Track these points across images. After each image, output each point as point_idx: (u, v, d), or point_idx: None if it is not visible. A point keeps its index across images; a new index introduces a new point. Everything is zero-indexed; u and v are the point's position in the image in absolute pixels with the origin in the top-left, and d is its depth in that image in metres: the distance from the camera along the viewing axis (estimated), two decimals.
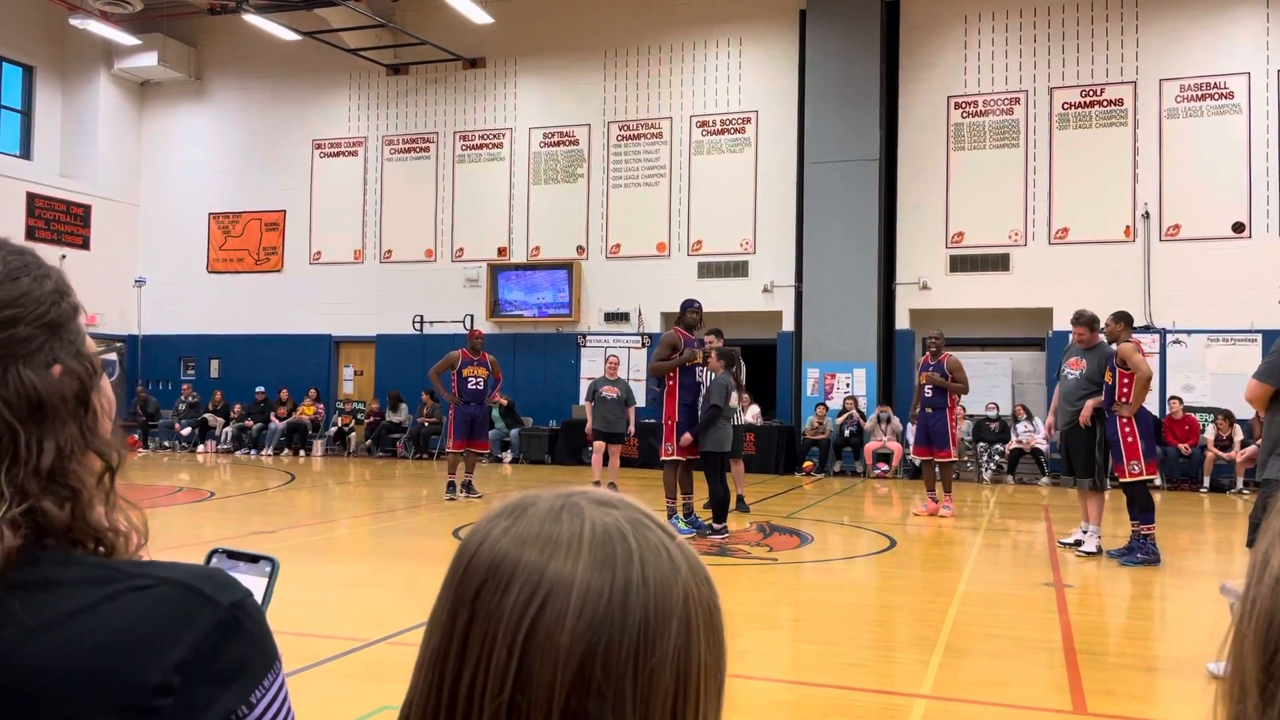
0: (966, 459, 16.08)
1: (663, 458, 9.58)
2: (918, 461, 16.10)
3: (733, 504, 11.18)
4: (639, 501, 0.78)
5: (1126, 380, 8.22)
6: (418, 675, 0.75)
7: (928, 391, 11.30)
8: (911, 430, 16.42)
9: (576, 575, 0.70)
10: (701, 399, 9.38)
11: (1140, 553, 8.18)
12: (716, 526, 9.18)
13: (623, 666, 0.69)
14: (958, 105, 17.34)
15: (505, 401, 18.15)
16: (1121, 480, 8.25)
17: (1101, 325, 8.70)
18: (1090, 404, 8.49)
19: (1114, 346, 8.38)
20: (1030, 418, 15.99)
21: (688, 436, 9.29)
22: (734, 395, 9.40)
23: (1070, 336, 9.03)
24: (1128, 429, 8.17)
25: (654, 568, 0.72)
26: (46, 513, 0.81)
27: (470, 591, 0.72)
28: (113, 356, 0.98)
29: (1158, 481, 14.96)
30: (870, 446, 16.34)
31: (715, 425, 9.17)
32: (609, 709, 0.68)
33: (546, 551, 0.71)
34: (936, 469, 11.30)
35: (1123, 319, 8.47)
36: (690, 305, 9.85)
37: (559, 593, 0.69)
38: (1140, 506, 8.21)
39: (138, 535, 0.89)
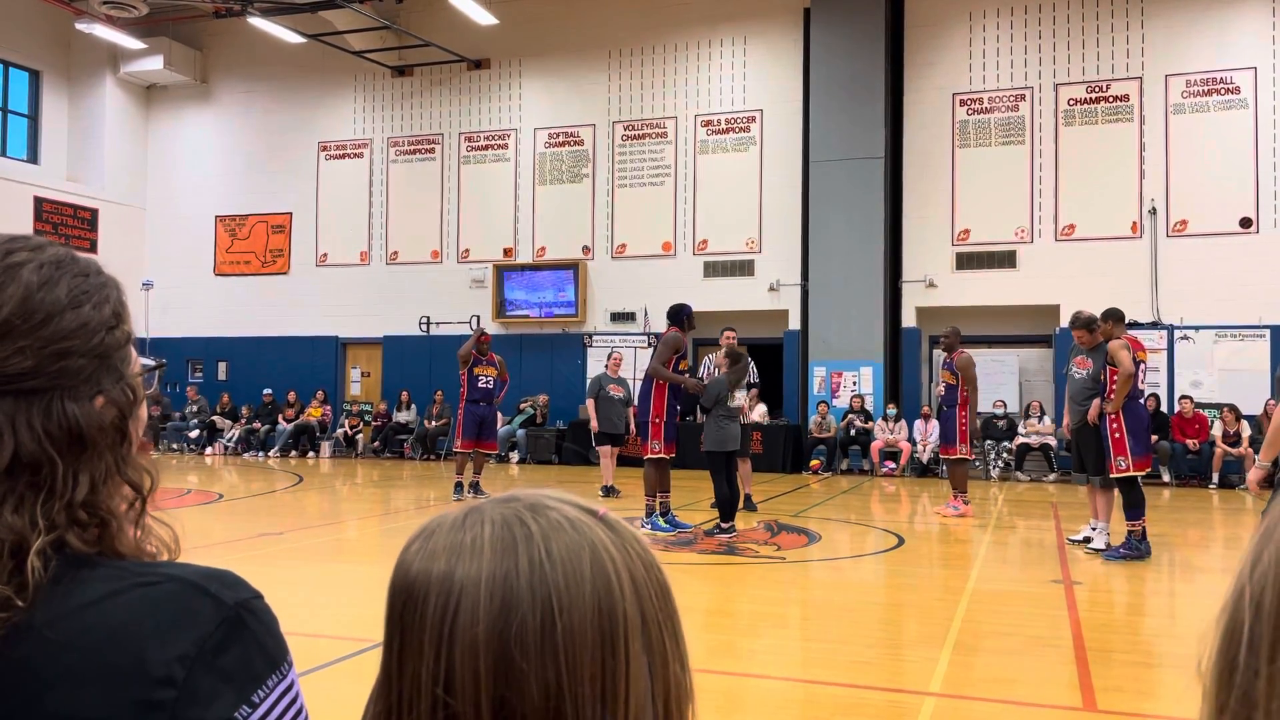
0: (974, 457, 16.06)
1: (647, 455, 9.57)
2: (924, 460, 16.23)
3: (740, 503, 11.22)
4: (555, 489, 0.81)
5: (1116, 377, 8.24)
6: (370, 702, 0.79)
7: (941, 389, 11.30)
8: (921, 427, 16.48)
9: (482, 571, 0.74)
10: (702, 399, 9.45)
11: (1123, 547, 8.16)
12: (724, 526, 9.17)
13: (539, 642, 0.73)
14: (963, 102, 17.31)
15: (540, 418, 18.12)
16: (1110, 476, 8.24)
17: (1097, 325, 8.70)
18: (1096, 402, 8.49)
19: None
20: (1042, 416, 15.94)
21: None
22: (739, 395, 9.36)
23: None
24: (1115, 425, 8.16)
25: (558, 542, 0.76)
26: (73, 544, 0.82)
27: (397, 613, 0.77)
28: (150, 364, 0.97)
29: (1166, 477, 14.98)
30: (876, 445, 16.33)
31: (716, 425, 9.14)
32: (532, 682, 0.72)
33: (453, 559, 0.76)
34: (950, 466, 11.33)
35: (1111, 316, 8.47)
36: (689, 310, 9.84)
37: (469, 591, 0.74)
38: (1127, 502, 8.19)
39: (169, 553, 0.90)
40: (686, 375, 9.73)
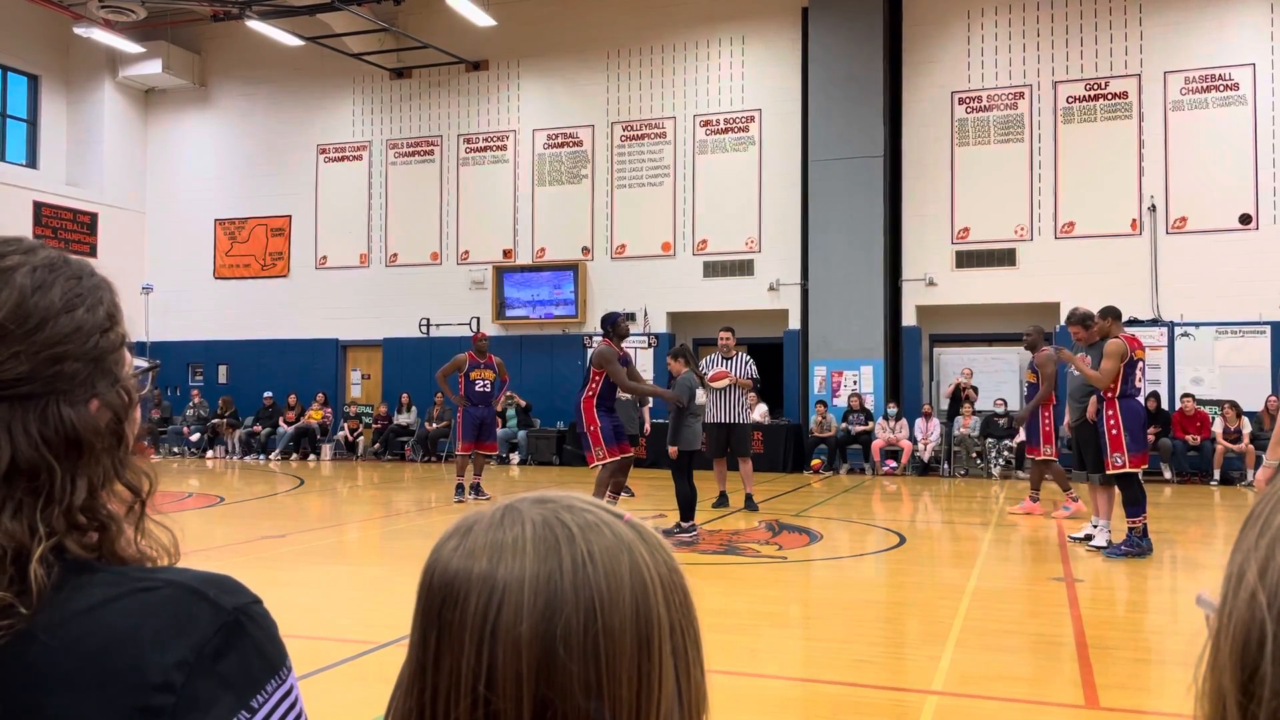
0: (975, 455, 16.06)
1: (591, 464, 9.45)
2: (925, 459, 16.21)
3: (741, 503, 11.22)
4: (582, 492, 0.82)
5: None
6: (397, 698, 0.79)
7: (1024, 389, 11.24)
8: (922, 426, 16.48)
9: (525, 570, 0.75)
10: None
11: (1124, 544, 8.16)
12: (684, 525, 9.08)
13: (582, 641, 0.73)
14: (961, 101, 17.31)
15: (524, 403, 18.18)
16: (1107, 472, 8.24)
17: (1093, 321, 8.69)
18: (1094, 400, 8.48)
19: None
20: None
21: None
22: (700, 393, 9.31)
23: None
24: (1112, 420, 8.15)
25: (598, 545, 0.77)
26: (72, 550, 0.82)
27: (434, 611, 0.77)
28: (144, 365, 0.96)
29: (1168, 474, 14.97)
30: (877, 444, 16.32)
31: (683, 425, 9.09)
32: (574, 681, 0.73)
33: (495, 558, 0.76)
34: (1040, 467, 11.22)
35: (1109, 314, 8.46)
36: (620, 316, 9.71)
37: (512, 590, 0.74)
38: (1126, 499, 8.18)
39: (169, 557, 0.89)
40: (659, 387, 9.73)
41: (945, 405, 16.53)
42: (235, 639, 0.80)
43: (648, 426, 13.15)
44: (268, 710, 0.80)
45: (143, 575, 0.83)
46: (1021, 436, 15.74)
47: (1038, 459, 10.96)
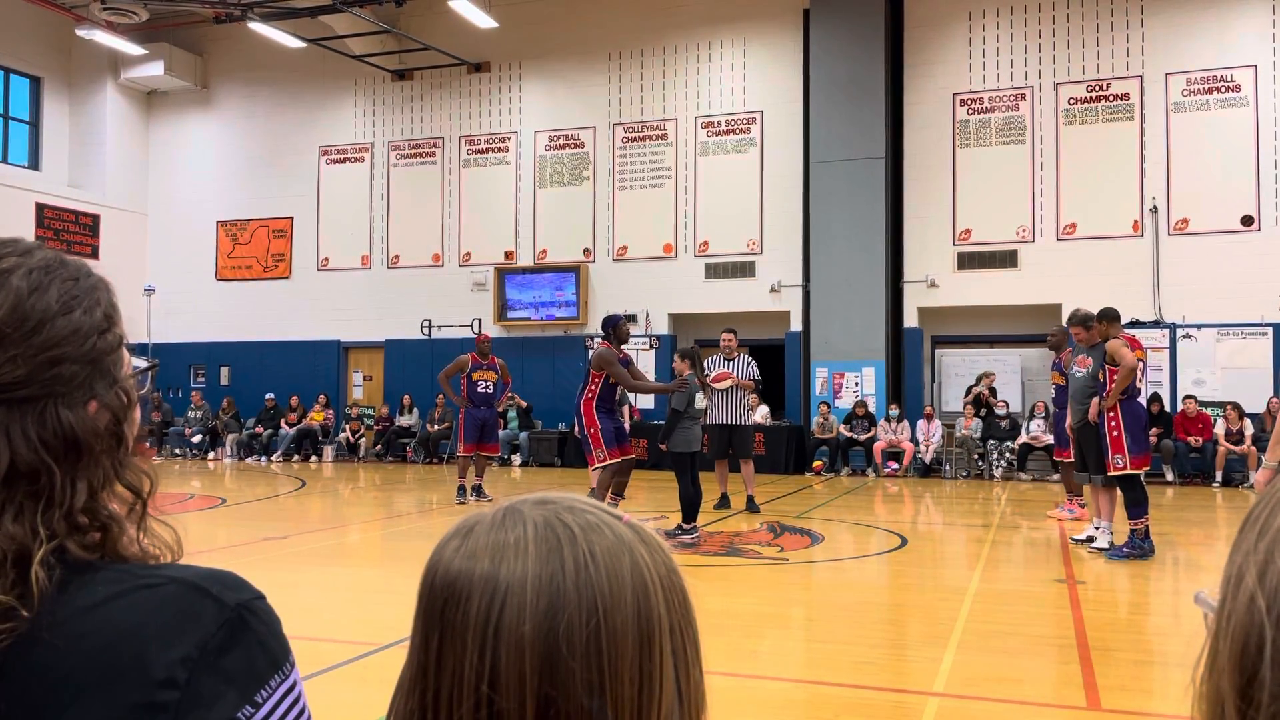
0: (977, 456, 16.05)
1: (592, 466, 9.42)
2: (927, 460, 16.20)
3: (743, 504, 11.21)
4: (580, 494, 0.83)
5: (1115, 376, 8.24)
6: (398, 700, 0.79)
7: (1052, 390, 11.17)
8: (924, 427, 16.46)
9: (528, 571, 0.75)
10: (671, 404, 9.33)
11: (1126, 546, 8.15)
12: (686, 527, 9.06)
13: (585, 640, 0.74)
14: (963, 102, 17.31)
15: (525, 404, 18.19)
16: (1108, 474, 8.23)
17: (1093, 322, 8.69)
18: (1096, 401, 8.48)
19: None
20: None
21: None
22: (699, 396, 9.29)
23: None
24: (1113, 422, 8.15)
25: (599, 545, 0.77)
26: (74, 551, 0.82)
27: (436, 612, 0.77)
28: (143, 365, 0.96)
29: (1169, 476, 14.96)
30: (879, 445, 16.31)
31: (680, 426, 9.08)
32: (578, 680, 0.73)
33: (497, 559, 0.77)
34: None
35: (1106, 316, 8.46)
36: (621, 320, 9.72)
37: (515, 590, 0.75)
38: (1128, 500, 8.17)
39: (172, 554, 0.89)
40: (658, 381, 9.71)
41: (964, 408, 16.36)
42: (239, 634, 0.80)
43: (628, 424, 13.13)
44: (271, 705, 0.80)
45: (146, 572, 0.83)
46: (1024, 438, 15.83)
47: (1068, 460, 10.80)
